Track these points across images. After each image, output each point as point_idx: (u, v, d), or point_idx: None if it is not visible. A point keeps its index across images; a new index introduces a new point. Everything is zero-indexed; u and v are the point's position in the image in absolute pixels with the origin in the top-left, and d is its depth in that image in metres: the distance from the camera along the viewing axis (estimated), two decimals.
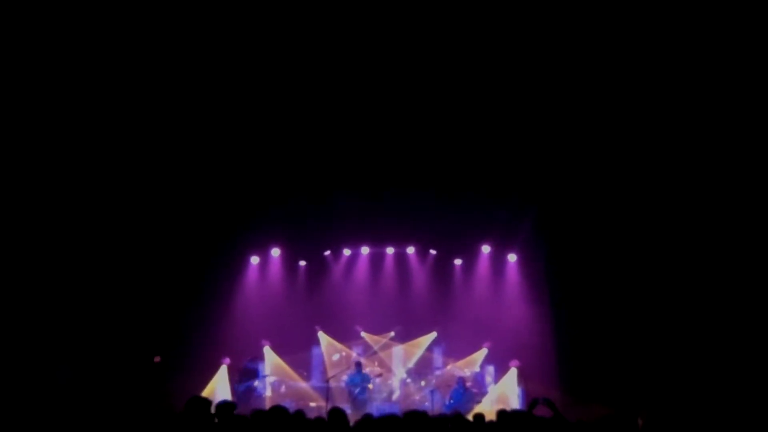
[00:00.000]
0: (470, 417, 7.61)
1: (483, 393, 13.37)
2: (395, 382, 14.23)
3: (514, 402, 12.75)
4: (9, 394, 10.04)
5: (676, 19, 9.59)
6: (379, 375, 13.64)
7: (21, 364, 11.26)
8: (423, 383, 13.97)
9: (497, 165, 12.66)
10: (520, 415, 5.96)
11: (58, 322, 12.10)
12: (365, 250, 15.28)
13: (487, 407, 12.48)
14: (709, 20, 9.49)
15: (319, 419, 6.09)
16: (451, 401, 12.58)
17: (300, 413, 6.12)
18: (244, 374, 13.25)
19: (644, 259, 12.44)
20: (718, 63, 10.10)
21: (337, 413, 5.85)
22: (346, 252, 15.31)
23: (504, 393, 13.22)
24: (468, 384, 13.04)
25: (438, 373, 14.20)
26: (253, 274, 15.09)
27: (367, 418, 6.12)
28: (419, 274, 15.07)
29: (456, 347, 14.31)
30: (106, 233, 12.82)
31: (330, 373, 13.77)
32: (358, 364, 13.55)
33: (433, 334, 14.45)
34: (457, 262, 15.06)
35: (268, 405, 12.55)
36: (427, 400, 12.89)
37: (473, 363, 13.94)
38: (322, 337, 14.57)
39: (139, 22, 9.88)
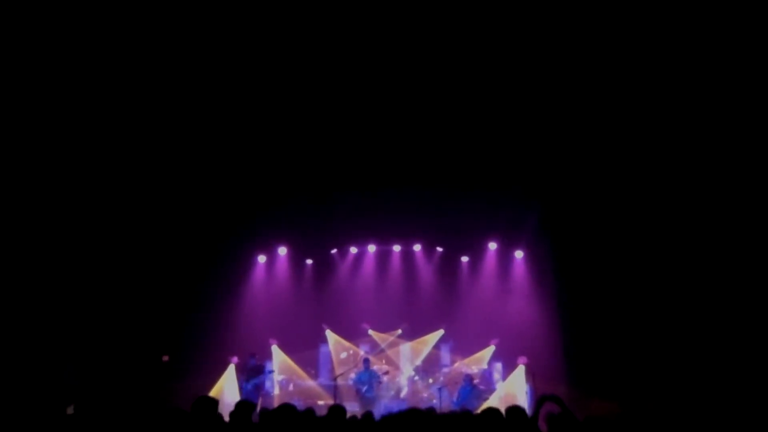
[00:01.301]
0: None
1: (491, 390, 13.33)
2: (403, 380, 14.21)
3: (522, 399, 12.71)
4: (17, 394, 10.08)
5: (679, 17, 9.53)
6: (386, 373, 13.63)
7: (29, 365, 11.31)
8: (431, 381, 13.95)
9: (503, 161, 12.62)
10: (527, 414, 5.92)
11: (65, 322, 12.15)
12: (372, 247, 15.27)
13: (495, 404, 12.45)
14: (710, 19, 9.43)
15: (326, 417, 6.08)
16: (459, 399, 12.55)
17: (310, 411, 6.12)
18: (251, 372, 13.26)
19: (651, 254, 12.38)
20: (719, 61, 10.04)
21: (336, 410, 5.84)
22: (353, 250, 15.31)
23: (512, 390, 13.19)
24: (475, 381, 13.01)
25: (446, 370, 14.18)
26: (260, 272, 15.12)
27: (368, 415, 6.12)
28: (426, 272, 15.06)
29: (463, 344, 14.28)
30: (114, 234, 12.86)
31: (338, 371, 13.78)
32: (366, 362, 13.55)
33: (441, 332, 14.42)
34: (464, 259, 15.04)
35: (276, 403, 12.57)
36: (435, 397, 12.88)
37: (481, 360, 13.91)
38: (330, 335, 14.58)
39: (141, 23, 9.88)
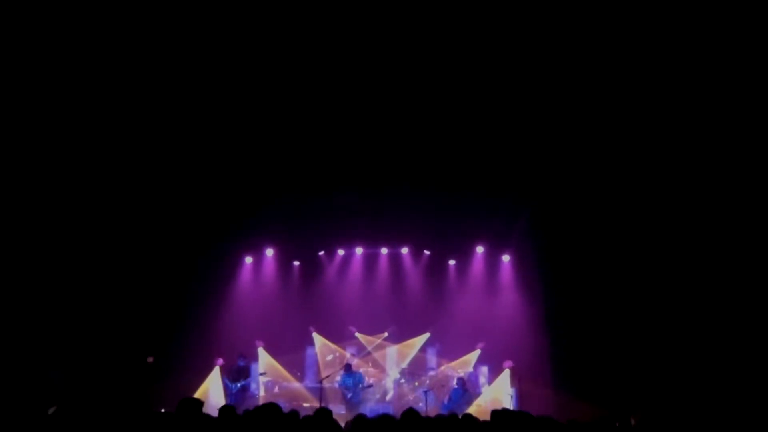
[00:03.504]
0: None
1: (477, 394, 13.37)
2: (389, 383, 14.21)
3: (507, 402, 12.73)
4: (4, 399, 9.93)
5: (672, 18, 9.60)
6: (369, 386, 13.60)
7: (14, 368, 11.16)
8: (417, 384, 13.95)
9: (491, 165, 12.66)
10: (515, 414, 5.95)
11: (49, 323, 12.02)
12: (359, 250, 15.27)
13: (482, 408, 12.49)
14: (708, 20, 9.51)
15: (310, 418, 6.05)
16: (451, 401, 12.55)
17: (294, 413, 6.09)
18: (238, 373, 13.18)
19: (637, 259, 12.48)
20: (715, 61, 10.12)
21: (323, 413, 5.82)
22: (340, 252, 15.29)
23: (497, 394, 13.22)
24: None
25: (432, 373, 14.20)
26: (246, 274, 15.07)
27: (360, 417, 6.09)
28: (413, 275, 15.06)
29: (450, 348, 14.30)
30: (100, 234, 12.75)
31: (324, 373, 13.74)
32: (347, 366, 13.53)
33: (427, 335, 14.44)
34: (451, 262, 15.06)
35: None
36: (421, 400, 12.88)
37: (467, 363, 13.95)
38: (316, 337, 14.55)
39: (138, 21, 9.84)
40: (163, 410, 10.61)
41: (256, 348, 14.03)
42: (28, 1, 9.33)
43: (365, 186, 13.19)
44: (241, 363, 13.27)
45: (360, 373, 13.57)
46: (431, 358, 14.60)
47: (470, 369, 13.86)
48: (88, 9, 9.53)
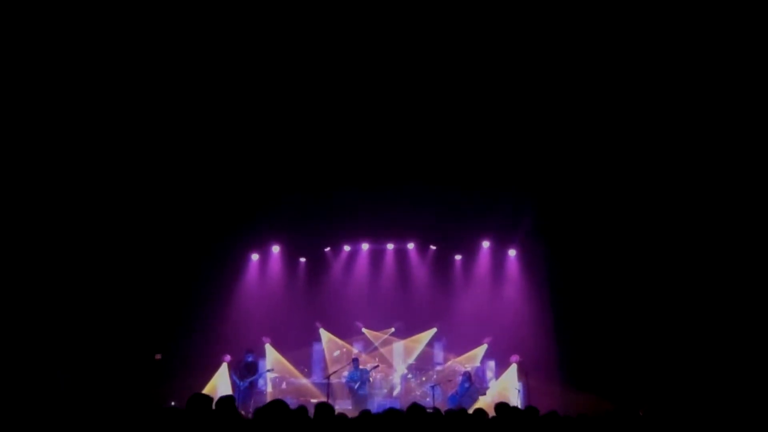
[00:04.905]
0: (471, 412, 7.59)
1: (484, 388, 13.38)
2: (396, 378, 14.23)
3: (514, 397, 12.75)
4: (10, 400, 9.98)
5: (675, 16, 9.58)
6: (375, 367, 13.61)
7: (22, 368, 11.21)
8: (424, 379, 13.99)
9: (497, 160, 12.65)
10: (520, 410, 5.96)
11: (58, 319, 12.08)
12: (365, 246, 15.28)
13: (489, 402, 12.49)
14: (708, 19, 9.48)
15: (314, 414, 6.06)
16: (458, 395, 12.57)
17: (302, 409, 6.11)
18: (246, 369, 13.20)
19: (644, 253, 12.45)
20: (717, 60, 10.09)
21: (323, 408, 5.84)
22: (346, 248, 15.30)
23: (504, 388, 13.22)
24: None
25: (439, 368, 14.23)
26: (253, 271, 15.09)
27: (366, 413, 6.11)
28: (419, 270, 15.07)
29: (456, 342, 14.33)
30: (106, 231, 12.80)
31: (331, 369, 13.78)
32: (355, 361, 13.56)
33: (434, 330, 14.47)
34: (457, 257, 15.05)
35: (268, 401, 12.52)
36: (428, 395, 12.90)
37: (474, 358, 13.97)
38: (323, 333, 14.59)
39: (139, 21, 9.86)
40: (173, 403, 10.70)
41: (263, 344, 14.08)
42: (29, 1, 9.36)
43: (371, 182, 13.19)
44: (250, 359, 13.29)
45: (366, 370, 13.58)
46: (438, 353, 14.63)
47: (477, 364, 13.88)
48: (89, 9, 9.56)
